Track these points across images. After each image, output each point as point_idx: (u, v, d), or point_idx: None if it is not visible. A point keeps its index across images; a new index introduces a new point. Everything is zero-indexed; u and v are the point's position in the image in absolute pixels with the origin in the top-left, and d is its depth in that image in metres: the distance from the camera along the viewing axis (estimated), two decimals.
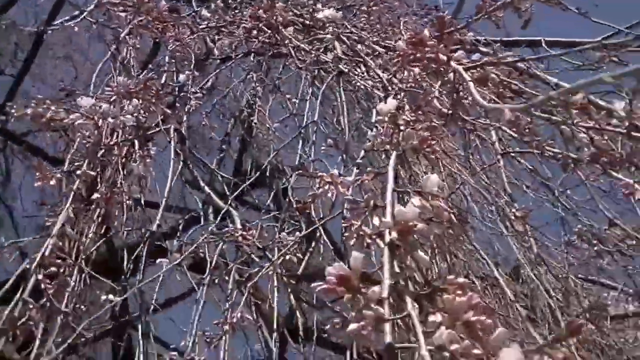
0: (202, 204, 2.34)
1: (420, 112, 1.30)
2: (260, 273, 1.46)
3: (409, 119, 1.18)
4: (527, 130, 1.66)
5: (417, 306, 0.83)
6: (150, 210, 1.93)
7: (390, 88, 1.54)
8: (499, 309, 3.15)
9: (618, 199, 2.14)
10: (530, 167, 2.25)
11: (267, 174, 2.31)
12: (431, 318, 0.78)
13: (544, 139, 1.64)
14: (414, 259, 0.90)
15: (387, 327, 0.80)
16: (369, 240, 1.00)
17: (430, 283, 0.86)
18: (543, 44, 2.57)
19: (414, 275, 1.03)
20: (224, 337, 1.41)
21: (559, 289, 2.07)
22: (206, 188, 2.00)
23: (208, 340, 1.40)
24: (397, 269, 0.89)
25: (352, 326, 0.78)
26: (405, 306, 0.81)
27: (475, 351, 0.68)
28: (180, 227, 2.25)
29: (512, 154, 2.12)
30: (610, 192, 2.07)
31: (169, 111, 1.73)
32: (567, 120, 1.49)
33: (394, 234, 0.89)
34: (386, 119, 1.18)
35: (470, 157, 2.18)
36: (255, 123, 2.50)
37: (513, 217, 1.80)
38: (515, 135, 1.68)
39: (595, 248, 2.09)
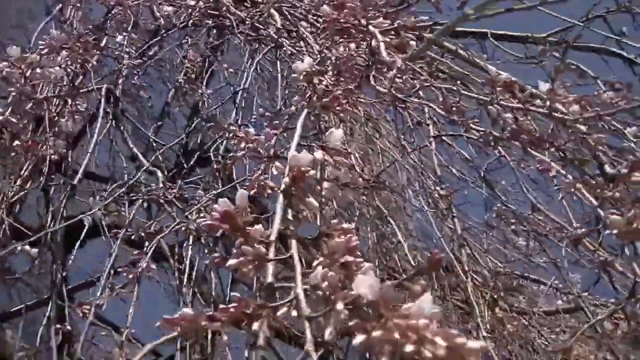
0: (136, 170, 2.32)
1: (340, 77, 1.31)
2: (171, 227, 1.45)
3: (324, 79, 1.18)
4: (453, 109, 1.67)
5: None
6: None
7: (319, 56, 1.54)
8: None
9: (550, 191, 2.17)
10: (468, 157, 2.28)
11: (199, 140, 2.31)
12: (315, 263, 0.78)
13: (470, 117, 1.66)
14: (305, 205, 0.90)
15: (270, 267, 0.81)
16: (269, 191, 1.01)
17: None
18: (489, 37, 2.59)
19: None
20: (134, 290, 1.41)
21: (480, 272, 2.08)
22: (134, 149, 1.99)
23: (110, 286, 1.39)
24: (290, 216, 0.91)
25: (232, 261, 0.78)
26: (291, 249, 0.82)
27: (346, 291, 0.68)
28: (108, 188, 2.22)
29: (444, 138, 2.14)
30: (539, 181, 2.10)
31: (95, 62, 1.71)
32: (493, 99, 1.51)
33: (287, 180, 0.89)
34: (301, 77, 1.18)
35: (402, 137, 2.20)
36: (185, 86, 2.48)
37: (437, 196, 1.82)
38: (443, 112, 1.69)
39: (512, 227, 2.11)
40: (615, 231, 1.10)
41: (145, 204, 1.74)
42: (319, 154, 1.02)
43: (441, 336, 0.53)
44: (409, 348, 0.54)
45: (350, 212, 2.15)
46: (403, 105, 1.90)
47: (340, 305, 0.65)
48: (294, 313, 0.73)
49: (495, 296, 2.44)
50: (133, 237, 1.56)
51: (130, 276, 1.36)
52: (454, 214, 1.88)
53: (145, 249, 1.46)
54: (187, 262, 1.57)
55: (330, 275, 0.68)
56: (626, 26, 2.63)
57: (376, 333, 0.56)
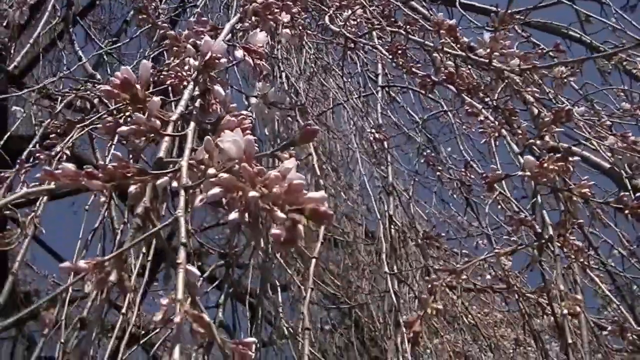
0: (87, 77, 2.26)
1: None
2: (93, 119, 1.43)
3: None
4: (399, 52, 1.67)
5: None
6: None
7: None
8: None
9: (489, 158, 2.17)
10: (411, 112, 2.28)
11: None
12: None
13: (414, 62, 1.66)
14: (213, 93, 0.89)
15: (164, 143, 0.80)
16: (185, 83, 1.00)
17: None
18: (457, 6, 2.58)
19: None
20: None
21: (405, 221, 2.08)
22: (80, 52, 1.95)
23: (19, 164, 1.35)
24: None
25: (124, 128, 0.77)
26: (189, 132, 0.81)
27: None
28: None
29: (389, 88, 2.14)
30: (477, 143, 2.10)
31: None
32: (438, 47, 1.52)
33: (197, 64, 0.88)
34: None
35: (349, 81, 2.19)
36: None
37: (372, 139, 1.81)
38: (388, 55, 1.69)
39: (438, 173, 2.12)
40: (527, 173, 1.11)
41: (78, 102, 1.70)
42: (239, 53, 1.01)
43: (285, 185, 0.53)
44: (253, 193, 0.53)
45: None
46: (353, 46, 1.89)
47: (212, 170, 0.64)
48: (175, 184, 0.72)
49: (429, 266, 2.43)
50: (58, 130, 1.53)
51: (42, 157, 1.34)
52: (388, 161, 1.87)
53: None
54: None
55: (207, 141, 0.67)
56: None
57: (224, 176, 0.56)
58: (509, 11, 2.29)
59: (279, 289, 1.98)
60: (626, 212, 1.17)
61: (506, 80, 1.42)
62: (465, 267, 1.17)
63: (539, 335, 2.12)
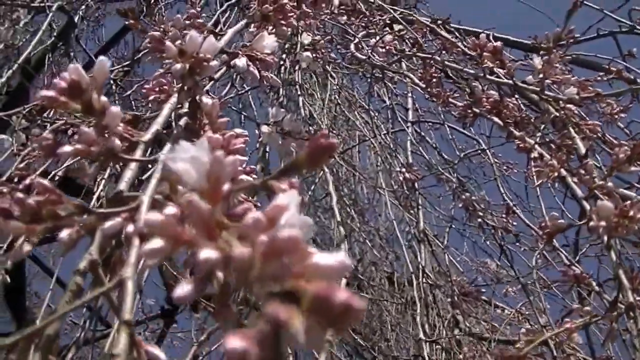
0: None
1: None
2: None
3: None
4: (433, 81, 1.47)
5: None
6: None
7: None
8: None
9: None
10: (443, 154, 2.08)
11: None
12: None
13: (447, 90, 1.46)
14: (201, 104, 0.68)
15: (129, 173, 0.58)
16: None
17: None
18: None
19: None
20: None
21: None
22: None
23: None
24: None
25: (66, 148, 0.55)
26: None
27: None
28: None
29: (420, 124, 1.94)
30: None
31: None
32: (479, 74, 1.30)
33: (181, 66, 0.66)
34: None
35: (377, 115, 1.99)
36: None
37: (402, 178, 1.60)
38: (421, 84, 1.48)
39: (479, 220, 1.89)
40: (602, 223, 0.86)
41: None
42: (241, 61, 0.79)
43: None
44: (207, 254, 0.31)
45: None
46: (381, 76, 1.69)
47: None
48: (130, 227, 0.50)
49: (457, 316, 2.23)
50: None
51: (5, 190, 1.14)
52: (419, 204, 1.65)
53: None
54: None
55: (164, 164, 0.45)
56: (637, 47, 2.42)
57: (153, 219, 0.33)
58: (549, 45, 2.07)
59: None
60: None
61: (562, 112, 1.20)
62: (529, 349, 0.93)
63: None
